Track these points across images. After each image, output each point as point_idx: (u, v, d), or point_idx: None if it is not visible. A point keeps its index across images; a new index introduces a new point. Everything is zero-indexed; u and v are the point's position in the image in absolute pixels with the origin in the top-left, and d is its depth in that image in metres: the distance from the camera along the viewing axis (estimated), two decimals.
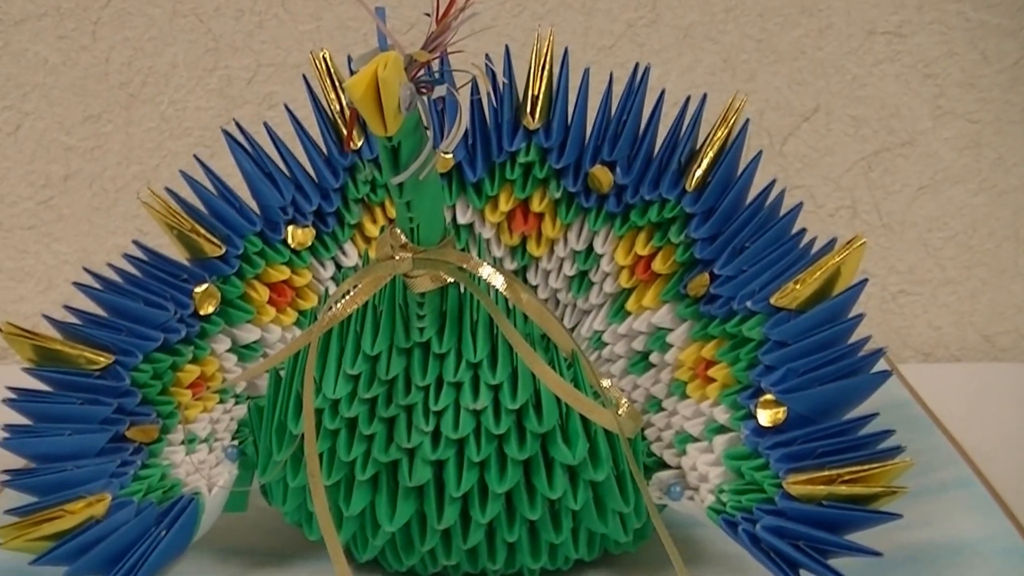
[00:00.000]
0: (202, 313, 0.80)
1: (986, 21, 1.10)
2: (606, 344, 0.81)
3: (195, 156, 0.83)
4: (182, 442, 0.78)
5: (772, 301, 0.74)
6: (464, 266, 0.68)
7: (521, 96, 0.80)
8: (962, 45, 1.10)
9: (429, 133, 0.62)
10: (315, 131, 0.82)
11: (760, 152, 0.78)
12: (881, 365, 0.74)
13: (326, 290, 0.82)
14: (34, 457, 0.76)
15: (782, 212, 0.77)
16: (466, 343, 0.70)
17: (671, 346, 0.78)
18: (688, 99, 0.78)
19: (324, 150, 0.82)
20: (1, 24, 1.12)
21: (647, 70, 0.79)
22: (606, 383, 0.76)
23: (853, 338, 0.74)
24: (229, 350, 0.81)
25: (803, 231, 0.76)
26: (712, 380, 0.76)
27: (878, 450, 0.71)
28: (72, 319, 0.79)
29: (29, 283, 1.16)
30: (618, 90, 0.79)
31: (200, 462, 0.77)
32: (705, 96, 0.78)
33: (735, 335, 0.76)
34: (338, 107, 0.82)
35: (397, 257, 0.66)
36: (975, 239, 1.14)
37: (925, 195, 1.13)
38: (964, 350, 1.16)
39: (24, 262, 1.16)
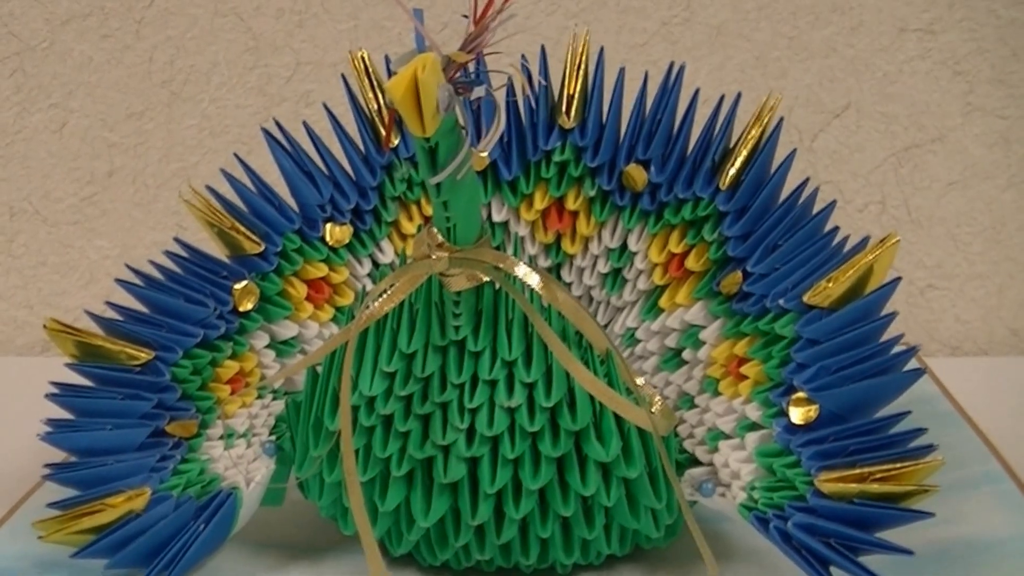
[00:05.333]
0: (241, 309, 0.80)
1: (1016, 18, 1.08)
2: (639, 341, 0.80)
3: (235, 155, 0.83)
4: (221, 437, 0.78)
5: (804, 299, 0.73)
6: (500, 265, 0.67)
7: (556, 95, 0.79)
8: (992, 42, 1.09)
9: (466, 134, 0.61)
10: (353, 129, 0.81)
11: (794, 151, 0.78)
12: (913, 363, 0.73)
13: (363, 287, 0.82)
14: (75, 451, 0.76)
15: (815, 210, 0.76)
16: (501, 341, 0.69)
17: (704, 343, 0.78)
18: (722, 98, 0.77)
19: (362, 148, 0.81)
20: (47, 24, 1.12)
21: (682, 69, 0.78)
22: (640, 381, 0.76)
23: (885, 336, 0.73)
24: (267, 346, 0.81)
25: (836, 229, 0.76)
26: (744, 377, 0.75)
27: (910, 448, 0.70)
28: (114, 315, 0.78)
29: (72, 277, 1.16)
30: (652, 89, 0.78)
31: (238, 457, 0.77)
32: (739, 95, 0.77)
33: (767, 333, 0.75)
34: (376, 106, 0.81)
35: (434, 256, 0.66)
36: (1003, 234, 1.13)
37: (954, 191, 1.12)
38: (992, 344, 1.15)
39: (68, 257, 1.16)
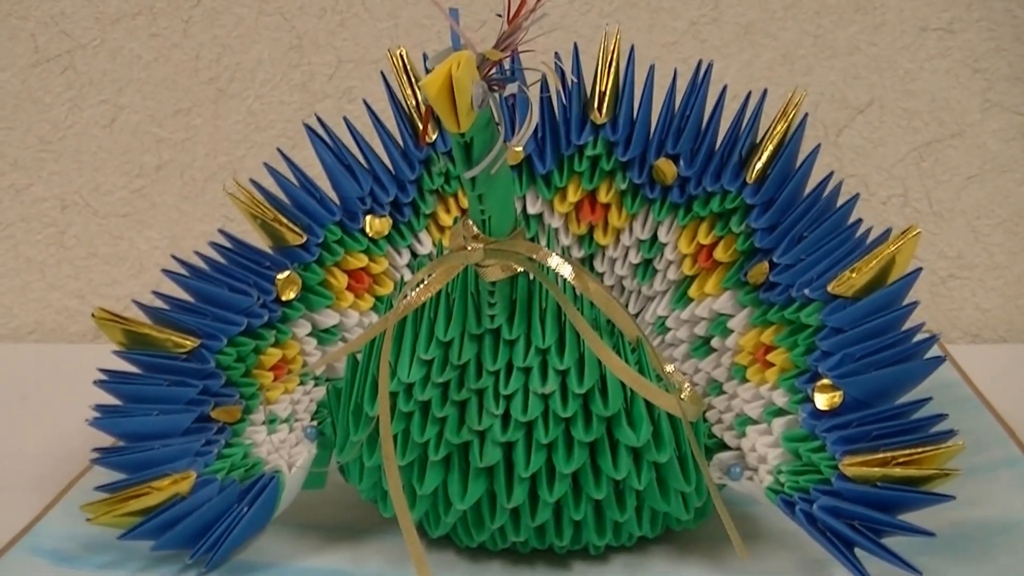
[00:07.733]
0: (284, 299, 0.80)
1: None
2: (669, 329, 0.80)
3: (278, 149, 0.83)
4: (264, 422, 0.77)
5: (829, 289, 0.73)
6: (534, 256, 0.67)
7: (589, 91, 0.79)
8: (1009, 41, 1.08)
9: (500, 129, 0.60)
10: (392, 125, 0.81)
11: (819, 146, 0.77)
12: (934, 350, 0.72)
13: (402, 277, 0.81)
14: (123, 436, 0.76)
15: (839, 203, 0.76)
16: (535, 330, 0.68)
17: (732, 331, 0.77)
18: (749, 94, 0.77)
19: (401, 143, 0.81)
20: (98, 23, 1.11)
21: (710, 67, 0.78)
22: (669, 368, 0.75)
23: (907, 324, 0.72)
24: (309, 334, 0.81)
25: (859, 221, 0.75)
26: (771, 365, 0.75)
27: (931, 433, 0.69)
28: (160, 304, 0.78)
29: (122, 267, 1.16)
30: (681, 85, 0.77)
31: (281, 441, 0.77)
32: (765, 92, 0.77)
33: (793, 321, 0.74)
34: (414, 102, 0.81)
35: (469, 247, 0.65)
36: (1021, 226, 1.12)
37: (974, 184, 1.11)
38: (1011, 332, 1.14)
39: (118, 247, 1.16)
